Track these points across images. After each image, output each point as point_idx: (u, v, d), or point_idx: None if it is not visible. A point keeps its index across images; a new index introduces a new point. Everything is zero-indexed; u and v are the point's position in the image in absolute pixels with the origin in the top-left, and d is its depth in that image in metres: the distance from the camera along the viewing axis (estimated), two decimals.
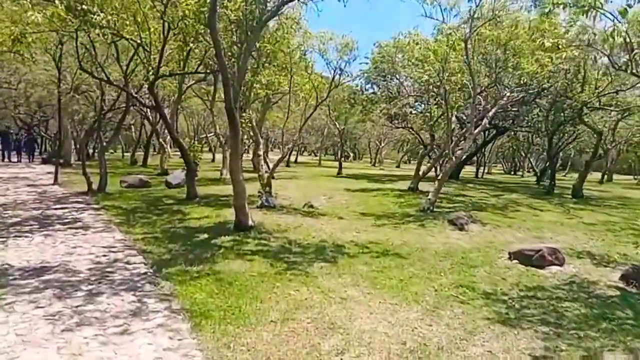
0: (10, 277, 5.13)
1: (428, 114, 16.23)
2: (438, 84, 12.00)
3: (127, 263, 5.97)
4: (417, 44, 11.26)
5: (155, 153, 40.12)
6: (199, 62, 11.21)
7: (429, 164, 16.33)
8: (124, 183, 14.92)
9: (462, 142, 13.23)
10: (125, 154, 38.76)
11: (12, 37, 9.70)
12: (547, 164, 29.92)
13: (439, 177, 11.30)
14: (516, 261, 6.84)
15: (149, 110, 22.95)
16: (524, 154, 44.38)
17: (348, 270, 6.08)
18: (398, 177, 26.41)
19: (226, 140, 31.51)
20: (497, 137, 27.53)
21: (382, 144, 43.69)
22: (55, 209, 9.99)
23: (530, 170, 45.20)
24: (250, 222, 8.26)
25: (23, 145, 28.22)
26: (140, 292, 4.82)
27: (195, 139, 33.60)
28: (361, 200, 13.47)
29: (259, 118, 24.94)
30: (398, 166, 45.80)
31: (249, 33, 8.02)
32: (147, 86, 15.00)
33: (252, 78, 10.01)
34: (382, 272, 6.08)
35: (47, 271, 5.42)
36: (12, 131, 31.10)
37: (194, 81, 16.88)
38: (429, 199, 11.20)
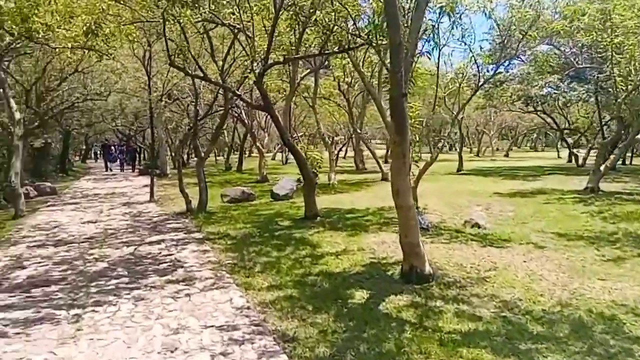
0: None
1: (611, 90, 11.98)
2: None
3: None
4: None
5: (247, 155, 38.94)
6: (320, 41, 8.39)
7: (613, 156, 12.11)
8: (225, 197, 12.80)
9: None
10: (217, 158, 37.90)
11: (85, 28, 7.75)
12: None
13: None
14: None
15: (242, 111, 21.11)
16: None
17: None
18: (532, 169, 21.92)
19: (332, 139, 28.68)
20: None
21: (492, 132, 38.48)
22: (150, 243, 7.82)
23: None
24: (428, 269, 5.27)
25: (126, 156, 28.46)
26: None
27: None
28: (533, 210, 9.92)
29: (359, 112, 22.08)
30: (506, 155, 40.50)
31: None
32: (248, 83, 12.79)
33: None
34: None
35: None
36: (114, 143, 31.73)
37: (308, 70, 14.24)
38: None
